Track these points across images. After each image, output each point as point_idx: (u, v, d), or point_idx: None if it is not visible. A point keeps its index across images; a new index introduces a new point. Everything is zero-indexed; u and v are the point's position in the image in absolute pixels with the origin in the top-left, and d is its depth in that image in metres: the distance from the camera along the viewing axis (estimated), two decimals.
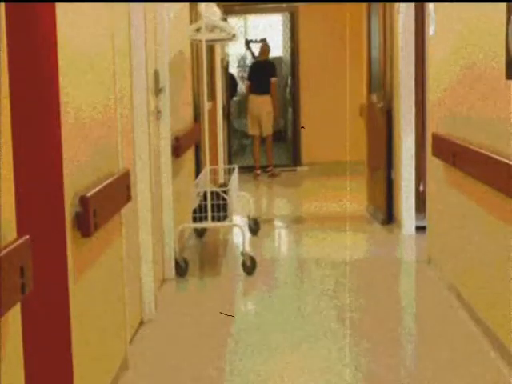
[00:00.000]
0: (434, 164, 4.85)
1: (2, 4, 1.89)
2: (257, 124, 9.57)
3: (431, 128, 4.97)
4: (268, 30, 11.69)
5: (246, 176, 8.82)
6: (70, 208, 2.59)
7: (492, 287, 3.61)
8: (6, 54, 1.90)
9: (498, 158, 3.37)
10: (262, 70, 9.54)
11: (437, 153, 4.64)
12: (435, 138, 4.68)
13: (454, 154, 4.13)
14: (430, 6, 4.93)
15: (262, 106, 9.45)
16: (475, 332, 3.78)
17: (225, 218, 5.32)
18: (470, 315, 3.96)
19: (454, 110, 4.38)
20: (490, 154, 3.48)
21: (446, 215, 4.67)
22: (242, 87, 11.61)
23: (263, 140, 9.68)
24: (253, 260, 5.05)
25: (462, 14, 4.15)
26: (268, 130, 9.56)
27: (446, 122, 4.58)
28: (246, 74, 10.80)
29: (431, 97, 5.09)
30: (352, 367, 3.50)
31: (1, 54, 1.86)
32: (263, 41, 10.22)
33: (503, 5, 3.27)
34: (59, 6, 2.46)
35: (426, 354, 3.63)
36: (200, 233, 6.18)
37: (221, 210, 5.26)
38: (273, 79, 9.43)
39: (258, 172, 9.58)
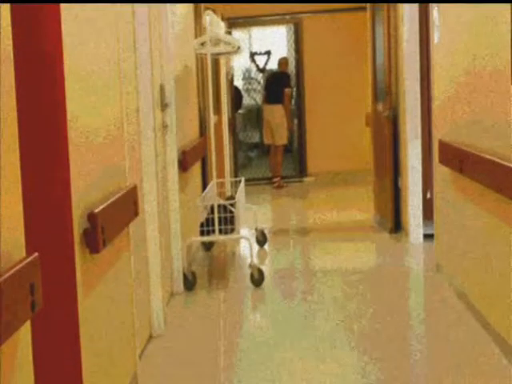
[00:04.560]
0: (440, 171, 4.85)
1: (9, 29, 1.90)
2: (270, 133, 9.65)
3: (437, 135, 4.97)
4: (273, 42, 11.70)
5: (253, 188, 8.82)
6: (78, 225, 2.60)
7: (501, 294, 3.59)
8: (13, 74, 1.92)
9: (505, 163, 3.36)
10: (276, 81, 9.69)
11: (443, 160, 4.64)
12: (441, 145, 4.68)
13: (461, 160, 4.12)
14: (435, 13, 4.94)
15: (274, 115, 9.54)
16: (486, 339, 3.76)
17: (232, 230, 5.32)
18: (479, 322, 3.95)
19: (459, 117, 4.38)
20: (497, 160, 3.47)
21: (453, 223, 4.66)
22: (247, 100, 11.64)
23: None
24: (261, 272, 5.04)
25: (466, 21, 4.16)
26: (281, 139, 9.63)
27: (452, 129, 4.57)
28: (251, 87, 10.84)
29: (437, 104, 5.09)
30: (362, 378, 3.49)
31: (8, 74, 1.87)
32: (268, 53, 10.25)
33: (508, 10, 3.28)
34: (65, 21, 2.47)
35: (437, 363, 3.61)
36: (208, 246, 6.18)
37: (228, 222, 5.27)
38: (287, 89, 9.54)
39: (275, 180, 9.60)
